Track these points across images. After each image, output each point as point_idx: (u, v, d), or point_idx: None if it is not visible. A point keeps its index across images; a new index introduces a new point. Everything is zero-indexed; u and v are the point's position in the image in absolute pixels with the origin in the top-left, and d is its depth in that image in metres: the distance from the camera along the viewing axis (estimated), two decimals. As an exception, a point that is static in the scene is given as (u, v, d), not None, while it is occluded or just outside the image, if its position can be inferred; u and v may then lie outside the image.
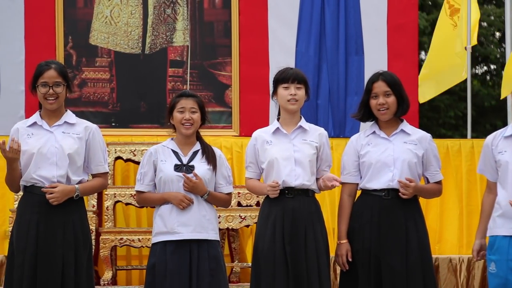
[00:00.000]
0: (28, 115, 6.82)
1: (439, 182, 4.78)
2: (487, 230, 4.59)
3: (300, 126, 4.77)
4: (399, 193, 4.59)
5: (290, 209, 4.67)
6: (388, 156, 4.67)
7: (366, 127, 4.88)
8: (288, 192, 4.68)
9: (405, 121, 4.78)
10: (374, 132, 4.76)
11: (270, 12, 7.73)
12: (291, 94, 4.71)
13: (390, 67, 7.53)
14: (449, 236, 7.16)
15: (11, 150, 4.46)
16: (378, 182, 4.66)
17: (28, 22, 7.50)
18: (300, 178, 4.70)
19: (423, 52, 13.49)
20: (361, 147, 4.76)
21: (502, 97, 8.25)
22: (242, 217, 6.32)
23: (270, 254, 4.63)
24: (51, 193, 4.50)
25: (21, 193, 4.69)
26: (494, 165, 4.55)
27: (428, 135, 4.78)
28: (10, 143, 4.46)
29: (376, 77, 4.71)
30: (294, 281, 4.58)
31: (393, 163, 4.66)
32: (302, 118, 4.81)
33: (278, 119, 4.84)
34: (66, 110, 4.69)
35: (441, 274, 6.66)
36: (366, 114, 4.76)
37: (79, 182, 4.60)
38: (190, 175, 4.60)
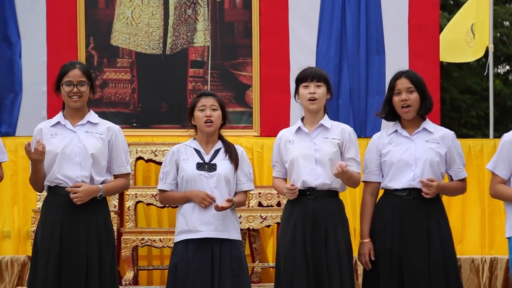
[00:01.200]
0: (50, 115, 6.86)
1: (463, 180, 4.75)
2: (507, 231, 4.56)
3: (321, 125, 4.76)
4: (422, 193, 4.57)
5: (311, 210, 4.65)
6: (409, 155, 4.65)
7: (388, 127, 4.86)
8: (309, 193, 4.67)
9: (427, 119, 4.75)
10: (396, 131, 4.74)
11: (291, 12, 7.72)
12: (310, 93, 4.70)
13: (411, 66, 7.49)
14: (471, 236, 7.13)
15: (36, 152, 4.47)
16: (399, 181, 4.64)
17: (50, 23, 7.54)
18: (321, 177, 4.68)
19: (444, 52, 13.40)
20: (383, 146, 4.74)
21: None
22: (263, 217, 6.31)
23: (290, 256, 4.62)
24: (75, 193, 4.52)
25: (44, 193, 4.72)
26: None
27: (451, 133, 4.75)
28: (35, 145, 4.48)
29: (399, 74, 4.71)
30: (315, 283, 4.57)
31: (414, 162, 4.63)
32: (326, 116, 4.78)
33: (302, 119, 4.84)
34: (89, 111, 4.72)
35: (463, 275, 6.63)
36: (390, 112, 4.74)
37: (102, 182, 4.62)
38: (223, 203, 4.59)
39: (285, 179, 4.87)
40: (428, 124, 4.73)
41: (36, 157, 4.48)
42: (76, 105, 4.61)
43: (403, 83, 4.66)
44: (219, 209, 4.54)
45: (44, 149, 4.49)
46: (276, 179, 4.84)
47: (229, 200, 4.56)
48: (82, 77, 4.61)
